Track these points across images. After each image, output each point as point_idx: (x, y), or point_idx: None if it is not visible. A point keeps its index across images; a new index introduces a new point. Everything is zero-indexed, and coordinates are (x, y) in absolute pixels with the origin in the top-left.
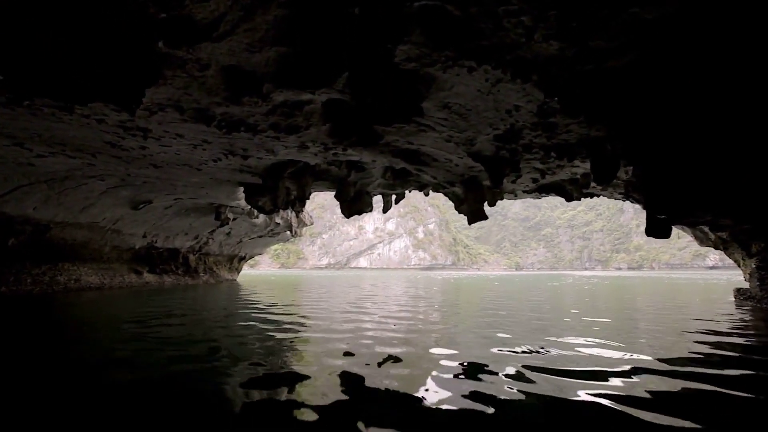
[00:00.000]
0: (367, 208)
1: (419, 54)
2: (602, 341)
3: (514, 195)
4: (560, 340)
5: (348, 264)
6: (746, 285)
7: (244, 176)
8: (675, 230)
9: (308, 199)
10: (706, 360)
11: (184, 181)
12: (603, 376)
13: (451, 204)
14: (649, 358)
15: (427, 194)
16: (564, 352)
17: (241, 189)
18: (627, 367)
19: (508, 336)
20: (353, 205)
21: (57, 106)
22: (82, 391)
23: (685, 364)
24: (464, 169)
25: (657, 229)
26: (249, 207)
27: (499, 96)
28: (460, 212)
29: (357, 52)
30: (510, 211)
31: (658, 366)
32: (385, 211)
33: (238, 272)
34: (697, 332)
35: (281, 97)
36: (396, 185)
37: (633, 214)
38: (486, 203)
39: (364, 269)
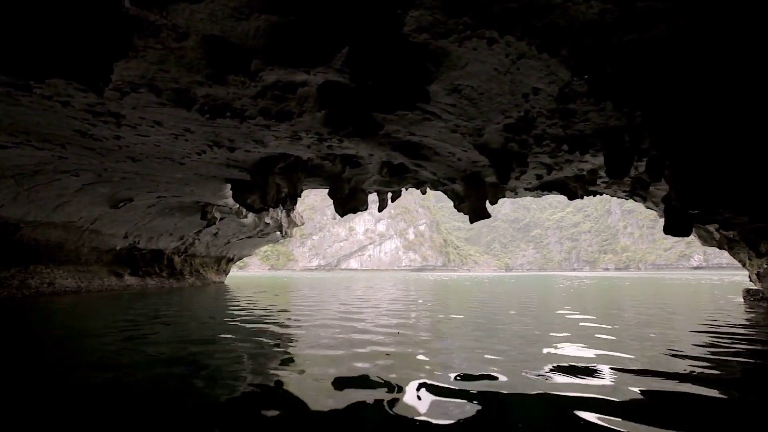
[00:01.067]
0: (362, 206)
1: (432, 22)
2: (652, 358)
3: (515, 193)
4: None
5: (338, 265)
6: (749, 284)
7: (232, 171)
8: (662, 231)
9: (299, 196)
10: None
11: (166, 177)
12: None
13: (441, 205)
14: (702, 373)
15: (424, 192)
16: (617, 376)
17: (229, 186)
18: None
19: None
20: (347, 203)
21: (10, 83)
22: (45, 413)
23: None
24: (467, 164)
25: (677, 227)
26: (237, 206)
27: (518, 76)
28: (459, 210)
29: (361, 19)
30: (500, 213)
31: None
32: (380, 209)
33: (226, 274)
34: (733, 342)
35: (272, 76)
36: (392, 182)
37: (620, 216)
38: (487, 201)
39: (354, 270)
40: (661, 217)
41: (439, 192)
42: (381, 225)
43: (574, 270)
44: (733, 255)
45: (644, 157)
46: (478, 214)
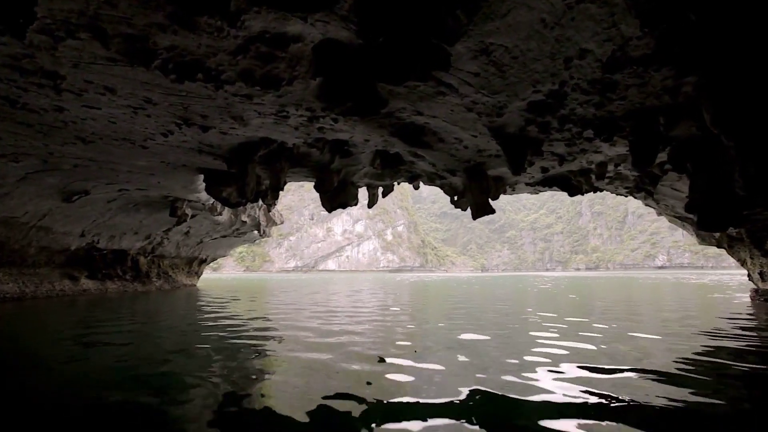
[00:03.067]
0: (352, 200)
1: None
2: (684, 367)
3: (513, 189)
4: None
5: (316, 266)
6: (748, 283)
7: (205, 159)
8: (629, 232)
9: (282, 189)
10: None
11: (127, 165)
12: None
13: (419, 206)
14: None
15: (417, 187)
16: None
17: (201, 177)
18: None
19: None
20: (336, 197)
21: None
22: None
23: None
24: (472, 154)
25: (712, 222)
26: (211, 201)
27: (568, 31)
28: (456, 206)
29: None
30: None
31: None
32: (370, 206)
33: (199, 276)
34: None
35: (258, 23)
36: (385, 175)
37: (590, 218)
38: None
39: (332, 272)
40: (660, 215)
41: (417, 193)
42: (359, 226)
43: (547, 270)
44: (732, 254)
45: (668, 146)
46: (481, 209)
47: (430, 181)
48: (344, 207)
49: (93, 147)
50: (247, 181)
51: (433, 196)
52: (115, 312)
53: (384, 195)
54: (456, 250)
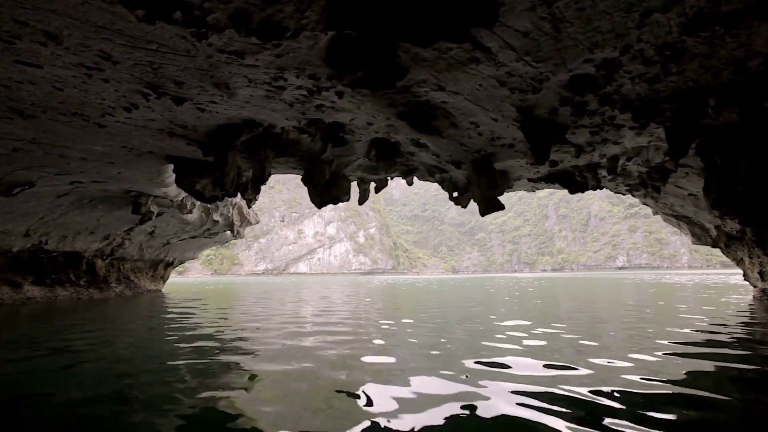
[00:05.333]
0: (344, 195)
1: None
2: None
3: (511, 185)
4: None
5: (287, 269)
6: (743, 282)
7: (176, 145)
8: (591, 234)
9: (265, 182)
10: None
11: (80, 151)
12: None
13: (390, 208)
14: None
15: (410, 183)
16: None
17: (170, 168)
18: None
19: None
20: (328, 191)
21: None
22: None
23: None
24: (484, 143)
25: (755, 218)
26: (180, 198)
27: None
28: (457, 203)
29: None
30: (447, 217)
31: None
32: (360, 202)
33: (164, 281)
34: None
35: None
36: (379, 168)
37: (556, 220)
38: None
39: (303, 274)
40: (656, 213)
41: (389, 195)
42: (331, 228)
43: (515, 271)
44: (728, 253)
45: (698, 135)
46: (489, 204)
47: (430, 175)
48: (335, 202)
49: (35, 124)
50: (226, 171)
51: (404, 198)
52: (60, 324)
53: (377, 190)
54: (427, 252)
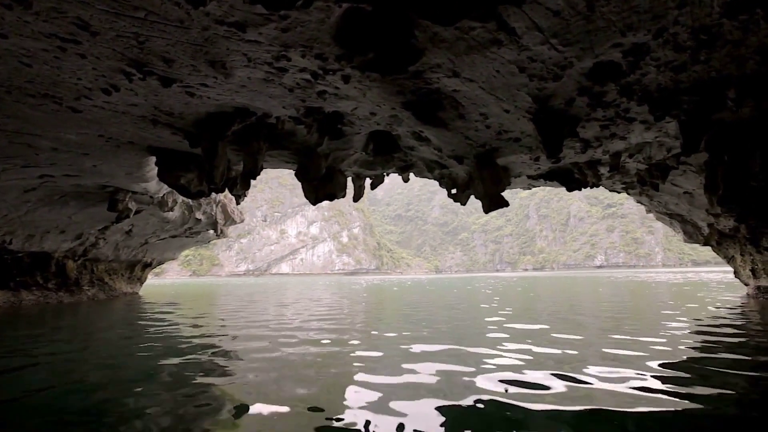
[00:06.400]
0: (340, 191)
1: None
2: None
3: (509, 183)
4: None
5: (269, 270)
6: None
7: (160, 134)
8: (571, 234)
9: (255, 178)
10: None
11: (51, 140)
12: None
13: (374, 208)
14: None
15: (406, 180)
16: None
17: (152, 160)
18: None
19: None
20: (324, 186)
21: None
22: None
23: None
24: (490, 136)
25: None
26: (161, 195)
27: None
28: (456, 200)
29: None
30: (430, 217)
31: None
32: (355, 200)
33: (142, 283)
34: None
35: None
36: (376, 163)
37: (537, 220)
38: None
39: (286, 275)
40: (649, 212)
41: (373, 194)
42: (314, 228)
43: (497, 271)
44: (719, 251)
45: (709, 130)
46: (494, 201)
47: (428, 171)
48: (331, 198)
49: None
50: (215, 164)
51: (388, 198)
52: (21, 335)
53: (373, 187)
54: (411, 252)
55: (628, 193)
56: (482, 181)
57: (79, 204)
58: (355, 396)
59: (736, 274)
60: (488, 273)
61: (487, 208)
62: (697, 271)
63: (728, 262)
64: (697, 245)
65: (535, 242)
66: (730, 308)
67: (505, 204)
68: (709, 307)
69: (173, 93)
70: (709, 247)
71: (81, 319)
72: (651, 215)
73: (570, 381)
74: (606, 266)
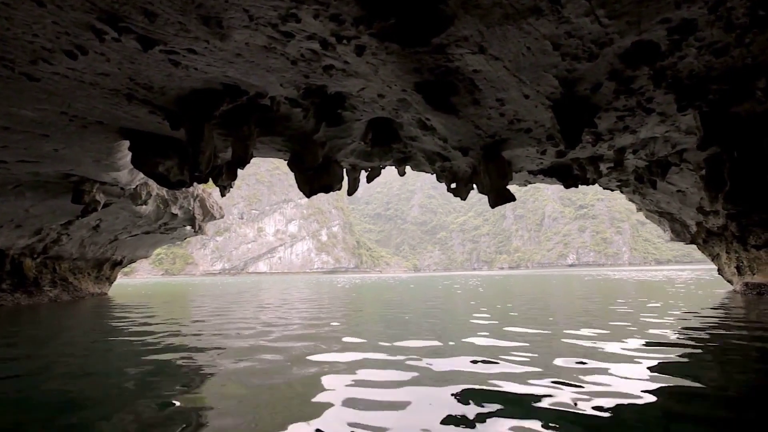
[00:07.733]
0: (336, 183)
1: None
2: None
3: (511, 177)
4: None
5: (245, 269)
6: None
7: (136, 112)
8: (545, 233)
9: (243, 167)
10: None
11: (2, 117)
12: None
13: (353, 207)
14: None
15: (402, 174)
16: None
17: (125, 145)
18: None
19: None
20: (319, 177)
21: None
22: None
23: None
24: (501, 126)
25: None
26: (134, 186)
27: None
28: (456, 194)
29: None
30: (409, 216)
31: None
32: (350, 193)
33: (111, 283)
34: None
35: None
36: (374, 154)
37: (513, 220)
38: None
39: (263, 274)
40: (639, 210)
41: (355, 193)
42: (293, 226)
43: (474, 269)
44: (704, 249)
45: (726, 123)
46: (501, 195)
47: (429, 164)
48: (327, 191)
49: None
50: (201, 148)
51: (367, 197)
52: None
53: (369, 180)
54: (390, 250)
55: (622, 191)
56: (488, 174)
57: (38, 195)
58: (333, 410)
59: (720, 271)
60: (466, 272)
61: (494, 202)
62: (663, 269)
63: (713, 260)
64: (660, 245)
65: (511, 242)
66: (732, 306)
67: (512, 198)
68: (709, 307)
69: (154, 61)
70: (670, 247)
71: (37, 326)
72: (619, 216)
73: (558, 377)
74: (577, 265)
